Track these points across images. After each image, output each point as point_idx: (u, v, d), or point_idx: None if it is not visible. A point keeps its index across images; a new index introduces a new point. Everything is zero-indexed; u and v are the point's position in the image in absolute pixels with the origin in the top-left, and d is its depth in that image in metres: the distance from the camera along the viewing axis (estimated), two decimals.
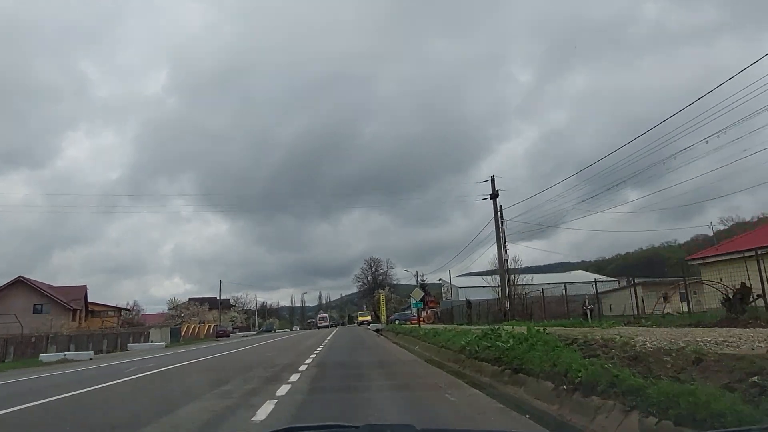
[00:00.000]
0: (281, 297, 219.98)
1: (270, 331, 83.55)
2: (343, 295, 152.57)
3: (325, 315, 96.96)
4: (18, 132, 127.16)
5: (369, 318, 72.76)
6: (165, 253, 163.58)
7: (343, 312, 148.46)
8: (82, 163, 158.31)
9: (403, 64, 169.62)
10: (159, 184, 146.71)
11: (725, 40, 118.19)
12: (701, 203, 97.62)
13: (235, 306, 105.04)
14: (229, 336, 53.46)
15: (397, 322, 46.85)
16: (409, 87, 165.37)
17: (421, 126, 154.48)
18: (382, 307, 58.90)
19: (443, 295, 71.97)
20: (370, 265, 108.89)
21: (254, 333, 66.64)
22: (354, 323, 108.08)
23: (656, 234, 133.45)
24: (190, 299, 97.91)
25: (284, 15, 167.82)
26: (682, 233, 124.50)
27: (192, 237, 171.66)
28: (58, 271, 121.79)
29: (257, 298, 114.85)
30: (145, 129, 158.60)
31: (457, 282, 67.23)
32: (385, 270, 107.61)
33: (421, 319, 50.42)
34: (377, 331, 41.46)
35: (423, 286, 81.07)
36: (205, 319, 65.03)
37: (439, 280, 71.56)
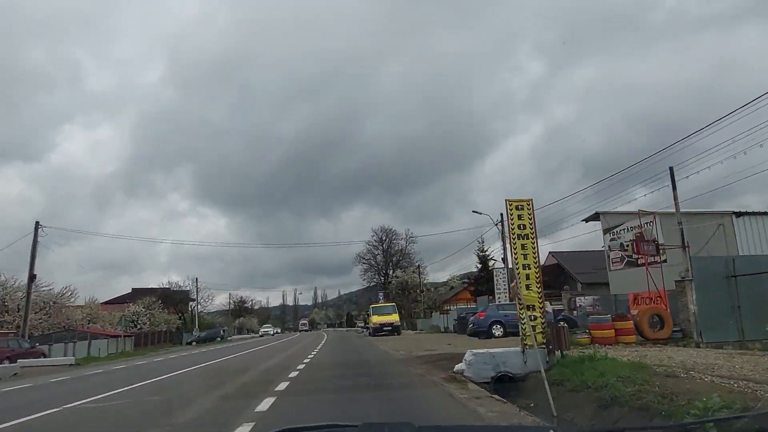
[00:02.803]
0: (277, 295, 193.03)
1: (212, 341, 51.50)
2: (342, 293, 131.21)
3: (305, 321, 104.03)
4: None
5: (396, 318, 35.15)
6: (162, 249, 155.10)
7: (341, 311, 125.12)
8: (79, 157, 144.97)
9: (405, 57, 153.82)
10: (155, 179, 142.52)
11: (745, 29, 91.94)
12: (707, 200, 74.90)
13: (194, 300, 74.39)
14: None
15: (498, 330, 18.13)
16: (413, 80, 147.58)
17: (425, 121, 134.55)
18: (527, 275, 8.78)
19: (659, 253, 18.95)
20: (381, 239, 73.00)
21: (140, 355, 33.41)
22: (356, 327, 73.86)
23: None
24: (134, 289, 69.06)
25: (285, 6, 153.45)
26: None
27: (189, 233, 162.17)
28: (56, 269, 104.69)
29: (231, 295, 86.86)
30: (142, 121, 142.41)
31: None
32: (404, 246, 71.50)
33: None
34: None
35: (484, 259, 44.21)
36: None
37: (639, 212, 20.67)
